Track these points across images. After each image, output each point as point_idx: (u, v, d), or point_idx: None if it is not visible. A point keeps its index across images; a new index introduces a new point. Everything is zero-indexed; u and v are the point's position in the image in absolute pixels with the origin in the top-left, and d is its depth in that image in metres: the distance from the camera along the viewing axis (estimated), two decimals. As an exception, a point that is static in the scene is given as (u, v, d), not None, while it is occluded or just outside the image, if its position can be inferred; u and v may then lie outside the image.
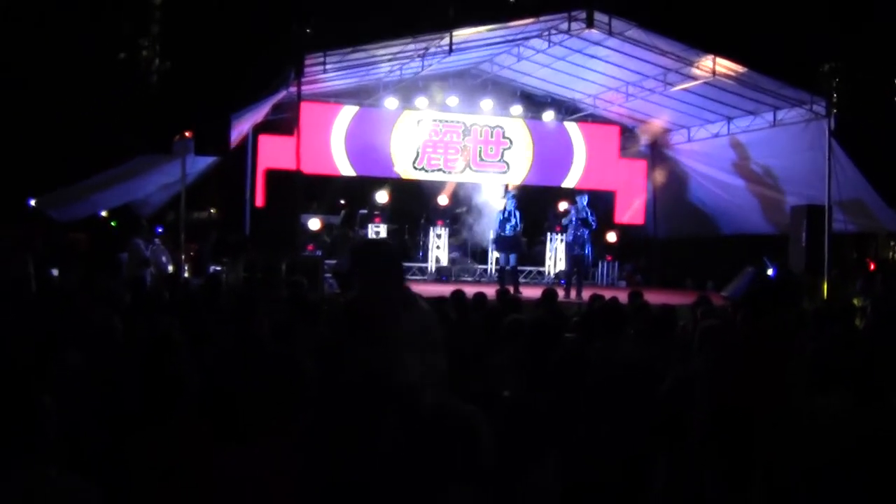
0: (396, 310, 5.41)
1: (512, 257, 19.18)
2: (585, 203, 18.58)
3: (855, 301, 15.48)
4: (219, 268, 18.33)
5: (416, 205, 24.65)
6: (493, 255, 23.16)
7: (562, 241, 22.11)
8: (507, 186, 21.74)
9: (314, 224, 20.81)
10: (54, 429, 3.59)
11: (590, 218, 18.44)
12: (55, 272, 15.88)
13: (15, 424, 3.47)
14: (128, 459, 4.35)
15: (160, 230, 19.66)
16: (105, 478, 3.83)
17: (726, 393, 5.52)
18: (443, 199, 23.18)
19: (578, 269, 18.82)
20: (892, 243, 40.07)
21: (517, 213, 19.04)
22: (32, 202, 18.03)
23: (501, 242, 19.25)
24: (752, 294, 6.13)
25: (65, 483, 3.48)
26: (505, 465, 3.96)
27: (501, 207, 19.48)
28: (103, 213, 22.20)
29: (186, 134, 15.12)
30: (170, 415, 4.58)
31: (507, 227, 18.85)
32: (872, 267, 24.64)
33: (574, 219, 18.42)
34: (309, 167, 18.63)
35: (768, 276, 18.30)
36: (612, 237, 23.94)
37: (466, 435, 3.53)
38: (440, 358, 5.42)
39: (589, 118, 24.70)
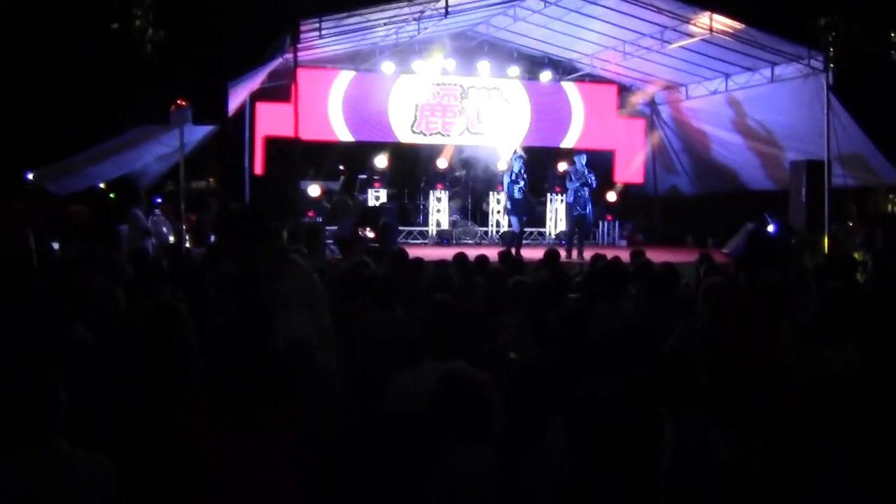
0: (270, 273, 5.48)
1: (521, 220, 19.17)
2: (584, 163, 18.55)
3: (856, 255, 15.50)
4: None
5: (415, 169, 24.61)
6: (497, 217, 23.20)
7: (562, 201, 22.12)
8: (515, 149, 21.68)
9: (314, 190, 20.79)
10: (65, 405, 3.61)
11: (589, 177, 18.42)
12: (55, 245, 15.90)
13: (26, 401, 3.49)
14: (134, 430, 4.38)
15: (159, 200, 19.63)
16: (113, 449, 3.84)
17: (722, 347, 5.56)
18: (442, 163, 23.13)
19: (579, 229, 18.82)
20: (890, 196, 40.12)
21: (525, 175, 18.98)
22: (30, 176, 17.99)
23: (511, 205, 19.18)
24: (748, 250, 6.15)
25: (77, 457, 3.51)
26: (515, 427, 3.98)
27: (508, 169, 19.40)
28: (101, 186, 22.17)
29: (182, 103, 15.06)
30: (174, 385, 4.60)
31: (516, 189, 18.78)
32: (873, 221, 24.65)
33: (574, 178, 18.41)
34: (307, 133, 18.59)
35: (766, 232, 18.32)
36: (612, 196, 23.91)
37: (479, 400, 3.55)
38: (320, 316, 5.50)
39: (587, 78, 24.61)
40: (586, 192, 18.38)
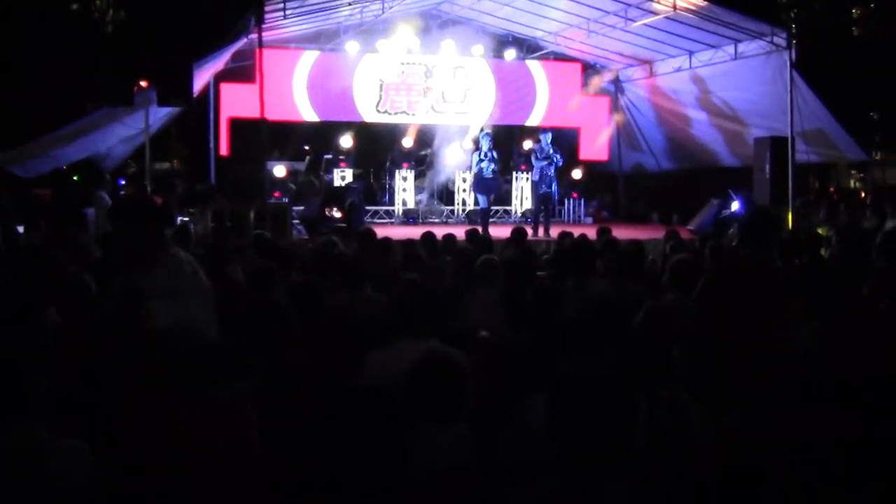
0: (144, 261, 5.56)
1: (489, 198, 19.21)
2: (549, 141, 18.58)
3: (819, 230, 15.66)
4: (186, 218, 18.27)
5: (380, 148, 24.57)
6: (463, 195, 23.23)
7: (527, 179, 22.16)
8: (482, 127, 21.66)
9: (279, 171, 20.75)
10: (43, 391, 3.62)
11: (555, 156, 18.47)
12: (20, 229, 15.79)
13: (2, 386, 3.50)
14: (108, 412, 4.39)
15: (122, 182, 19.55)
16: (87, 433, 3.85)
17: (707, 322, 5.63)
18: (407, 142, 23.11)
19: (545, 207, 18.86)
20: (852, 172, 40.54)
21: (493, 153, 18.98)
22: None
23: (480, 184, 19.16)
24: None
25: (55, 444, 3.52)
26: (488, 404, 4.04)
27: (475, 147, 19.35)
28: (65, 168, 22.03)
29: (145, 84, 14.96)
30: (147, 365, 4.62)
31: (488, 168, 18.78)
32: (835, 196, 24.92)
33: (539, 156, 18.45)
34: (272, 114, 18.53)
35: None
36: (577, 174, 23.98)
37: (455, 378, 3.60)
38: (196, 305, 5.57)
39: (551, 56, 24.64)
40: (552, 170, 18.41)
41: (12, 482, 3.40)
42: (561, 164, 18.89)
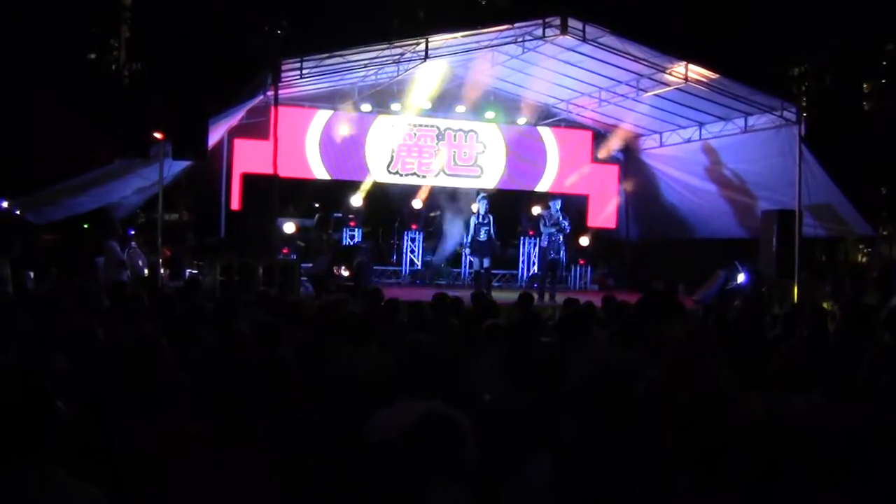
0: None
1: (486, 261, 19.29)
2: (559, 207, 18.70)
3: (825, 305, 15.69)
4: (195, 271, 18.38)
5: (390, 209, 24.69)
6: (468, 258, 23.29)
7: (535, 245, 22.26)
8: (478, 191, 21.81)
9: (289, 227, 20.85)
10: (67, 433, 3.67)
11: (563, 223, 18.58)
12: (30, 275, 15.91)
13: (30, 425, 3.55)
14: (118, 463, 4.43)
15: (132, 232, 19.67)
16: (97, 481, 3.89)
17: (690, 391, 5.67)
18: (417, 203, 23.25)
19: (553, 272, 18.94)
20: (860, 247, 40.54)
21: (490, 217, 19.12)
22: (5, 204, 17.97)
23: (475, 247, 19.30)
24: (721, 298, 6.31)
25: (71, 485, 3.55)
26: (489, 466, 4.09)
27: (474, 212, 19.50)
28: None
29: (160, 136, 15.12)
30: (160, 417, 4.67)
31: (482, 231, 18.93)
32: (843, 270, 24.92)
33: (548, 223, 18.56)
34: (284, 170, 18.68)
35: (742, 280, 18.53)
36: (584, 241, 24.06)
37: (453, 437, 3.65)
38: None
39: (562, 123, 24.85)
40: (560, 236, 18.52)
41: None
42: (569, 230, 19.01)
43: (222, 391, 4.25)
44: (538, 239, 20.00)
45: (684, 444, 4.04)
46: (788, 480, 3.89)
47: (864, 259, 40.04)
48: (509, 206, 23.76)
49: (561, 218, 18.56)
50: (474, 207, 20.19)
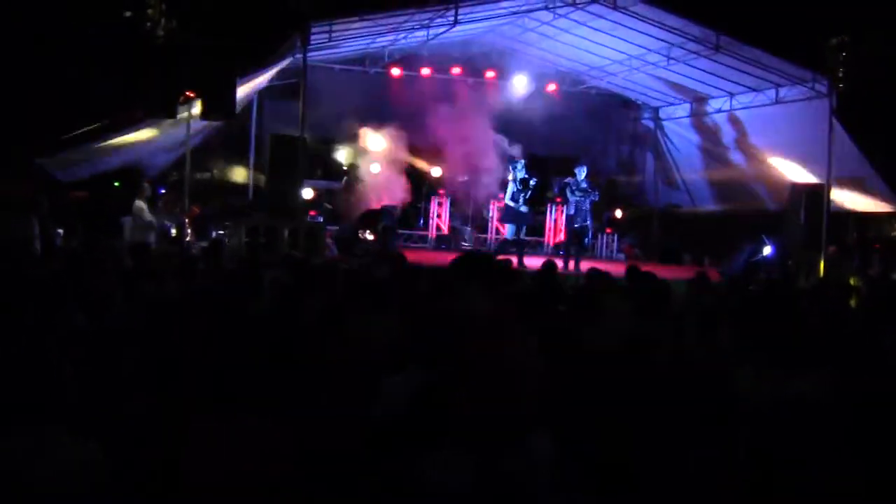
0: None
1: (514, 228, 19.15)
2: (585, 175, 18.59)
3: (851, 280, 15.61)
4: (221, 232, 18.45)
5: (417, 172, 24.62)
6: (496, 224, 23.20)
7: (562, 212, 22.17)
8: (510, 157, 21.71)
9: (307, 193, 20.79)
10: (72, 394, 3.71)
11: (590, 189, 18.46)
12: (60, 232, 16.03)
13: (32, 386, 3.59)
14: (130, 423, 4.48)
15: (162, 191, 19.76)
16: (107, 440, 3.93)
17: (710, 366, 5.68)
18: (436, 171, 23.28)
19: (579, 241, 18.83)
20: (893, 223, 40.14)
21: (531, 181, 18.95)
22: (36, 161, 18.06)
23: (510, 214, 19.16)
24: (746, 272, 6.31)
25: (72, 444, 3.59)
26: (491, 436, 4.10)
27: (513, 178, 19.11)
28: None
29: (190, 95, 15.16)
30: (172, 380, 4.70)
31: (522, 197, 18.70)
32: (876, 246, 24.72)
33: (576, 190, 18.44)
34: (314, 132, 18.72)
35: (768, 253, 18.45)
36: (618, 213, 24.03)
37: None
38: None
39: (592, 90, 24.74)
40: (587, 203, 18.41)
41: (31, 480, 3.48)
42: (597, 199, 18.91)
43: (230, 358, 4.25)
44: (565, 206, 19.79)
45: (690, 419, 4.07)
46: (792, 456, 3.91)
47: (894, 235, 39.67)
48: (539, 172, 23.71)
49: (587, 185, 18.43)
50: (510, 174, 19.62)
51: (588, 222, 18.66)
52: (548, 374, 4.47)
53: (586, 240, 19.78)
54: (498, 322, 4.26)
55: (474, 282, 10.01)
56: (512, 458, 3.66)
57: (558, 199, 23.08)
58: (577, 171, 18.73)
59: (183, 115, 15.21)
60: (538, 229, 24.05)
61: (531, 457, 3.62)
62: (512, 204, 18.84)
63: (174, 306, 6.12)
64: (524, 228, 19.48)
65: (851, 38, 30.38)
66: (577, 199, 18.40)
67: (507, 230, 19.47)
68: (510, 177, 19.13)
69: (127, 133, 17.45)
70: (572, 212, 18.56)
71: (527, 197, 18.78)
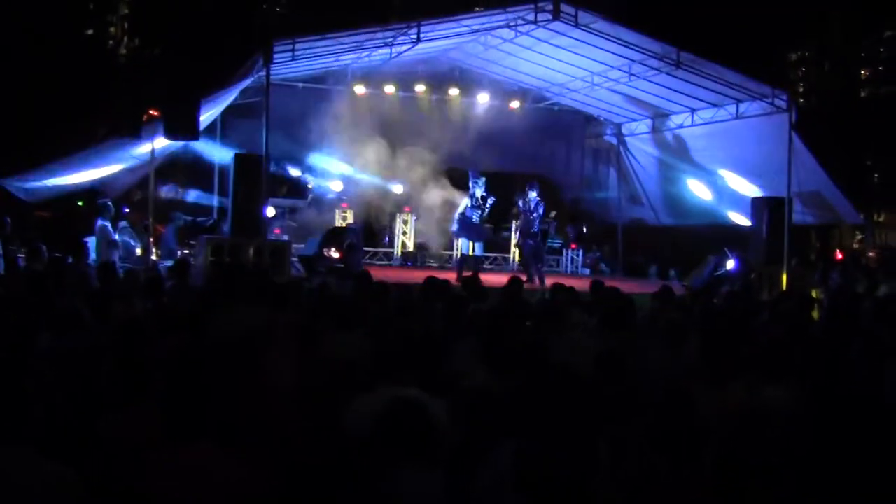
0: None
1: (478, 246, 19.11)
2: (535, 194, 18.66)
3: (813, 293, 15.78)
4: (186, 251, 18.40)
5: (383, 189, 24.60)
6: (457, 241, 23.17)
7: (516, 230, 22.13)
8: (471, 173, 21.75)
9: (269, 211, 20.64)
10: (38, 414, 3.70)
11: (538, 208, 18.58)
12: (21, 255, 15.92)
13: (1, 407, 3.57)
14: (98, 441, 4.45)
15: (126, 210, 19.69)
16: (75, 460, 3.90)
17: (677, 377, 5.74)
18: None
19: (536, 256, 18.88)
20: (856, 234, 40.60)
21: (489, 200, 18.98)
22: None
23: (464, 228, 19.10)
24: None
25: (43, 465, 3.57)
26: (465, 453, 4.13)
27: (470, 193, 19.08)
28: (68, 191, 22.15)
29: (154, 113, 15.16)
30: (140, 400, 4.67)
31: (476, 214, 18.73)
32: (839, 257, 24.99)
33: (526, 207, 18.55)
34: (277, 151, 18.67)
35: (732, 267, 18.58)
36: (577, 227, 24.14)
37: (423, 424, 3.68)
38: None
39: (555, 107, 24.85)
40: (536, 221, 18.54)
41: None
42: (542, 214, 19.07)
43: (187, 381, 4.19)
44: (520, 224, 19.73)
45: (655, 434, 4.12)
46: (758, 469, 3.96)
47: (857, 246, 40.12)
48: (503, 189, 23.72)
49: (536, 203, 18.54)
50: (470, 190, 19.57)
51: (538, 238, 18.84)
52: (514, 389, 4.52)
53: (541, 255, 19.78)
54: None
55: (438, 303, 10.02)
56: (480, 473, 3.71)
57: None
58: (528, 189, 18.77)
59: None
60: (504, 246, 24.06)
61: (497, 470, 3.66)
62: (465, 216, 18.90)
63: (143, 326, 6.10)
64: (481, 245, 19.48)
65: (812, 53, 30.76)
66: (532, 217, 18.55)
67: (462, 244, 19.41)
68: (469, 192, 19.15)
69: (89, 151, 17.37)
70: (533, 229, 18.65)
71: (482, 215, 18.82)
